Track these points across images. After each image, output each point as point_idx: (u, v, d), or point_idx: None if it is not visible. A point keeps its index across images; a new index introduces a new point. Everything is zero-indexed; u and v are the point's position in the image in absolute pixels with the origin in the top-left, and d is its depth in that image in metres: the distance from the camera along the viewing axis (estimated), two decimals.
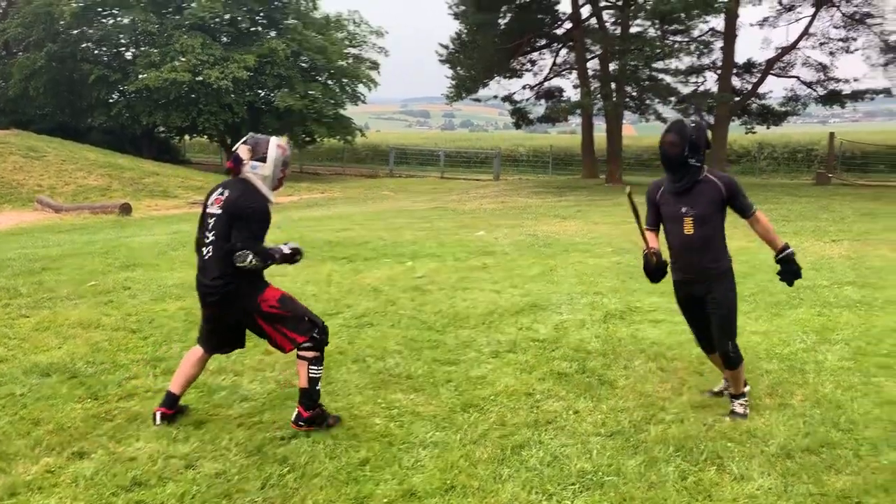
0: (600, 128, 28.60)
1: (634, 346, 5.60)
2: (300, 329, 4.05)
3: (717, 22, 25.19)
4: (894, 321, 6.29)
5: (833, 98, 26.52)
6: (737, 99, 26.07)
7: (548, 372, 5.03)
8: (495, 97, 29.52)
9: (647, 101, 27.55)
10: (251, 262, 3.87)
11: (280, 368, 5.10)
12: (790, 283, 4.31)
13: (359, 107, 41.54)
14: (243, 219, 3.93)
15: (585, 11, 26.67)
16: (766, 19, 27.25)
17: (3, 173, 22.26)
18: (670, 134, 4.14)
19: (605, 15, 26.43)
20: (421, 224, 13.63)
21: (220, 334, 4.25)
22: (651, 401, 4.52)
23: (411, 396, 4.60)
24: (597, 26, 26.53)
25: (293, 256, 4.16)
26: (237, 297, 4.01)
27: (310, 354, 4.07)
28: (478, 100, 29.57)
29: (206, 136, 39.57)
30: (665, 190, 4.27)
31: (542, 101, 29.81)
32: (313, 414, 4.07)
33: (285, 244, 4.17)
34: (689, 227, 4.16)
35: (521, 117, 29.64)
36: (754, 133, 28.77)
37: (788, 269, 4.25)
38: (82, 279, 8.17)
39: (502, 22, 26.46)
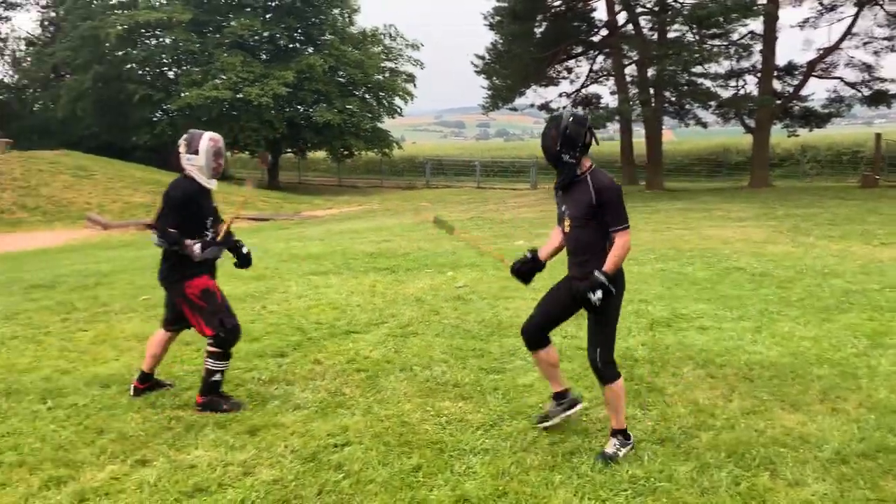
0: (638, 134, 28.41)
1: (682, 353, 5.57)
2: (210, 323, 4.58)
3: (757, 25, 24.86)
4: None
5: (879, 98, 25.91)
6: (778, 102, 25.66)
7: (595, 380, 5.02)
8: (532, 106, 29.54)
9: (687, 106, 27.27)
10: (156, 243, 4.55)
11: (330, 378, 5.20)
12: (576, 303, 3.90)
13: (395, 119, 41.94)
14: (164, 205, 4.57)
15: (622, 18, 26.57)
16: (806, 20, 26.80)
17: (54, 192, 22.96)
18: (548, 125, 3.87)
19: (642, 21, 26.29)
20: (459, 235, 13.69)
21: (168, 310, 4.92)
22: (700, 407, 4.50)
23: (459, 404, 4.65)
24: (633, 32, 26.41)
25: (205, 250, 4.58)
26: (168, 279, 4.66)
27: (211, 349, 4.59)
28: (514, 109, 29.59)
29: (247, 152, 40.29)
30: (556, 185, 4.01)
31: (580, 109, 29.72)
32: (206, 400, 4.59)
33: (197, 243, 4.58)
34: (566, 227, 3.93)
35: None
36: (797, 136, 28.24)
37: (583, 288, 3.72)
38: (134, 294, 8.40)
39: (538, 31, 26.50)
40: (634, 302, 7.31)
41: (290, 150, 40.23)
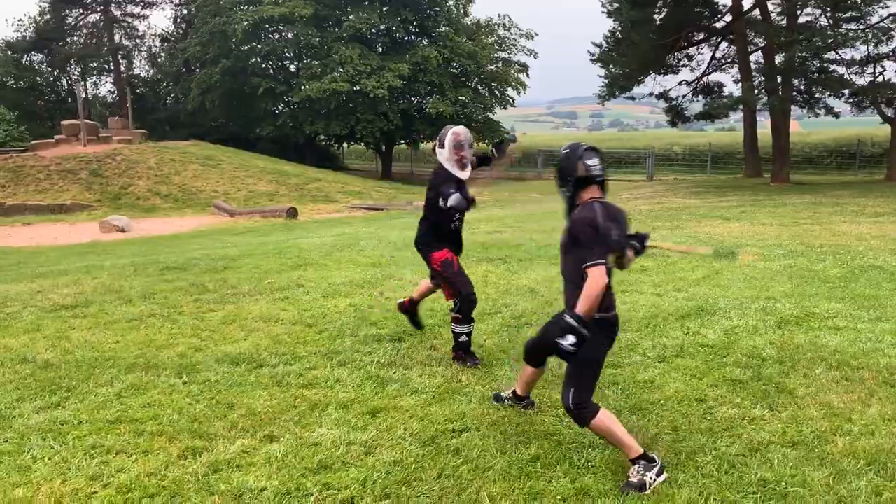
0: (762, 124, 27.07)
1: (814, 354, 5.27)
2: (452, 289, 5.25)
3: None
4: None
5: None
6: None
7: (720, 378, 4.85)
8: (650, 94, 28.71)
9: (817, 95, 25.72)
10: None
11: (446, 364, 5.25)
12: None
13: (506, 110, 41.82)
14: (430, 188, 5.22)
15: (747, 3, 25.38)
16: None
17: (184, 181, 24.37)
18: None
19: (770, 5, 25.00)
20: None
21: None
22: (835, 411, 4.25)
23: None
24: (760, 17, 25.15)
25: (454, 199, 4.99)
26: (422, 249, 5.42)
27: (455, 315, 5.24)
28: (632, 98, 28.87)
29: (363, 144, 41.30)
30: None
31: (700, 98, 28.62)
32: (456, 355, 5.32)
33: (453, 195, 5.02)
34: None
35: (676, 115, 28.64)
36: None
37: (549, 334, 3.34)
38: (260, 277, 8.80)
39: (658, 17, 25.69)
40: (761, 299, 6.98)
41: (403, 141, 40.91)
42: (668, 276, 8.22)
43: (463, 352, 5.27)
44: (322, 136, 39.93)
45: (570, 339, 3.25)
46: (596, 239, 3.41)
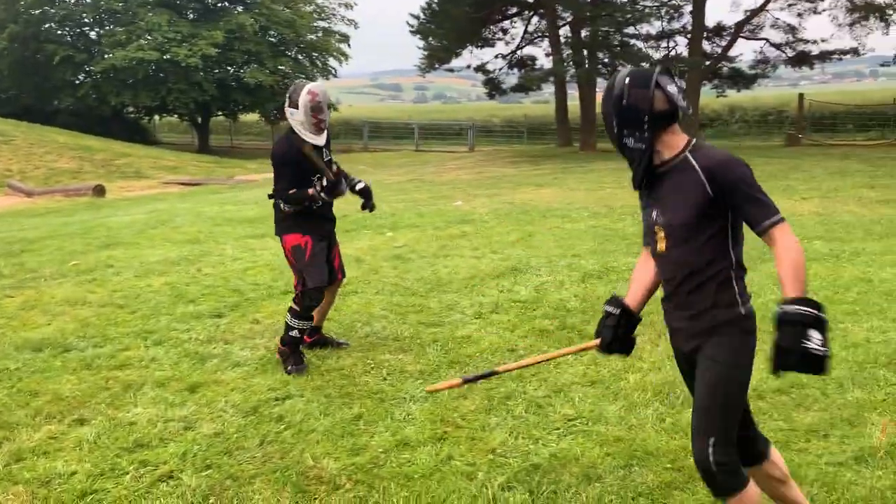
0: (573, 96, 28.68)
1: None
2: (299, 280, 4.65)
3: None
4: (860, 271, 6.54)
5: (802, 59, 26.83)
6: (707, 63, 26.28)
7: (530, 329, 5.20)
8: (468, 67, 29.47)
9: (620, 67, 27.66)
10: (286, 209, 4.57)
11: (269, 336, 5.22)
12: (777, 367, 2.19)
13: (329, 81, 41.22)
14: (273, 167, 4.66)
15: None
16: None
17: None
18: (603, 96, 2.49)
19: None
20: (399, 196, 13.71)
21: None
22: None
23: (399, 356, 4.75)
24: None
25: (330, 192, 4.50)
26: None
27: (293, 305, 4.62)
28: (451, 70, 29.48)
29: (176, 116, 39.09)
30: (633, 183, 2.48)
31: (515, 71, 29.79)
32: (281, 350, 4.64)
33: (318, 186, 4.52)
34: (661, 243, 2.44)
35: (494, 87, 29.62)
36: (725, 97, 29.05)
37: (784, 338, 2.15)
38: (63, 259, 8.19)
39: None
40: (568, 257, 7.52)
41: (220, 112, 39.17)
42: (485, 240, 8.61)
43: (290, 348, 4.58)
44: (130, 109, 37.30)
45: (817, 337, 2.13)
46: (759, 188, 2.31)
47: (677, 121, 2.38)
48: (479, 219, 10.27)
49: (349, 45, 40.34)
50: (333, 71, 40.15)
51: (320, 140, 4.53)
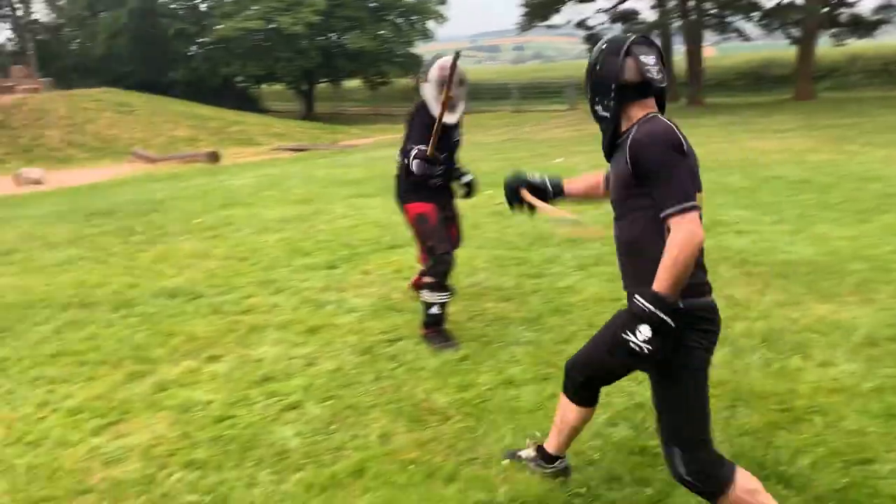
0: (677, 50, 27.71)
1: (719, 255, 5.71)
2: (424, 247, 4.33)
3: None
4: None
5: None
6: (825, 9, 24.71)
7: None
8: (568, 23, 28.92)
9: (729, 18, 26.44)
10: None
11: (379, 285, 5.48)
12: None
13: (428, 45, 41.37)
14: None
15: None
16: None
17: (99, 129, 23.50)
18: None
19: None
20: (496, 156, 13.77)
21: None
22: (737, 301, 4.68)
23: (502, 305, 4.91)
24: None
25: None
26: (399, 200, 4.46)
27: (426, 280, 4.32)
28: (551, 27, 29.02)
29: (283, 84, 40.32)
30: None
31: (618, 25, 28.99)
32: (425, 333, 4.31)
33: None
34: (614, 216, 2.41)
35: (594, 43, 28.92)
36: (844, 45, 27.27)
37: (618, 322, 2.24)
38: (188, 218, 8.78)
39: None
40: None
41: (325, 79, 40.13)
42: None
43: (434, 329, 4.28)
44: (240, 78, 38.80)
45: (645, 331, 2.10)
46: (675, 166, 2.17)
47: (649, 95, 2.34)
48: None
49: (447, 6, 40.30)
50: (431, 34, 40.25)
51: (453, 118, 4.22)
